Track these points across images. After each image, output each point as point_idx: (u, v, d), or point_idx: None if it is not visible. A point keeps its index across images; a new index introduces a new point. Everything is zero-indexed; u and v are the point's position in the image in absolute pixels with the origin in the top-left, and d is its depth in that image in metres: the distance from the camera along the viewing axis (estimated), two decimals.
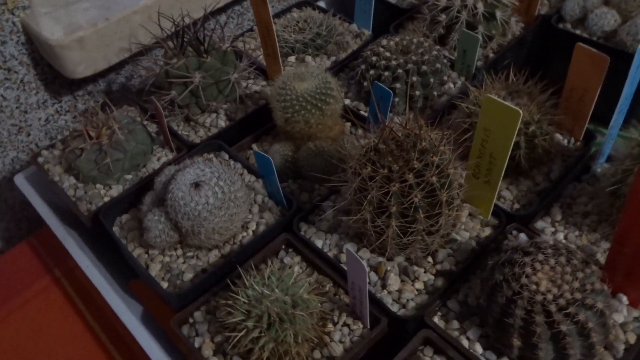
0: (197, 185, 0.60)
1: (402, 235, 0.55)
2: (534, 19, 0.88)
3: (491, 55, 0.85)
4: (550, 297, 0.48)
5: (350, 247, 0.51)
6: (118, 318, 0.66)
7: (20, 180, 0.83)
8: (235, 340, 0.51)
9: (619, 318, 0.53)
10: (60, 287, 0.81)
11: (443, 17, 0.83)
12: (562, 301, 0.48)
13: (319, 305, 0.54)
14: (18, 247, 0.89)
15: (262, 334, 0.51)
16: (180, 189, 0.60)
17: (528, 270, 0.50)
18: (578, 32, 0.85)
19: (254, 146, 0.77)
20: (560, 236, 0.61)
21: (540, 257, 0.50)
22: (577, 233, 0.61)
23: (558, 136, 0.71)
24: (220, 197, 0.60)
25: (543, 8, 0.92)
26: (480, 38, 0.83)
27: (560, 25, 0.86)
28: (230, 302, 0.53)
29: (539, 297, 0.48)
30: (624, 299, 0.54)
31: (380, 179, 0.53)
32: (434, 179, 0.53)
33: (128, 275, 0.73)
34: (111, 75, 1.02)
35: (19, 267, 0.85)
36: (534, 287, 0.49)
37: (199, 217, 0.59)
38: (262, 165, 0.64)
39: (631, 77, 0.57)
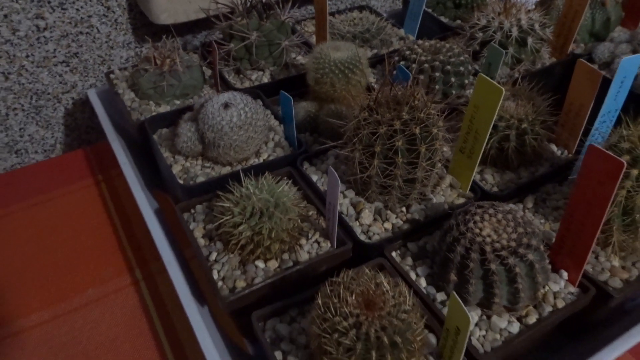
0: (226, 105, 0.71)
1: (382, 176, 0.64)
2: (566, 56, 0.96)
3: (516, 76, 0.93)
4: (488, 240, 0.55)
5: (334, 170, 0.60)
6: (137, 217, 0.77)
7: (92, 95, 0.98)
8: (220, 221, 0.61)
9: (555, 287, 0.58)
10: (98, 188, 0.95)
11: (480, 34, 0.93)
12: (497, 245, 0.54)
13: (297, 216, 0.63)
14: (74, 152, 1.04)
15: (243, 222, 0.60)
16: (212, 106, 0.71)
17: (477, 218, 0.57)
18: (603, 72, 0.91)
19: None
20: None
21: (491, 211, 0.57)
22: (542, 220, 0.67)
23: (553, 147, 0.78)
24: (242, 119, 0.71)
25: (578, 49, 0.99)
26: (510, 59, 0.92)
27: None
28: (226, 195, 0.63)
29: (479, 239, 0.55)
30: (565, 274, 0.59)
31: (373, 122, 0.63)
32: (417, 130, 0.61)
33: (155, 183, 0.85)
34: (188, 36, 1.18)
35: (69, 167, 1.00)
36: (477, 231, 0.56)
37: (221, 131, 0.71)
38: (284, 107, 0.75)
39: (612, 92, 0.64)
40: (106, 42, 1.09)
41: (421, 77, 0.85)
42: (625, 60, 0.61)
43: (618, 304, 0.59)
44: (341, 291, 0.49)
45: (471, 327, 0.55)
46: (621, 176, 0.50)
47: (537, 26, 0.92)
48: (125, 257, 0.82)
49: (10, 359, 0.69)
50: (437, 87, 0.85)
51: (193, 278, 0.69)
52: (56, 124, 1.13)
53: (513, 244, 0.54)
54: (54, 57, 1.05)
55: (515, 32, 0.91)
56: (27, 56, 1.03)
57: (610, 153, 0.50)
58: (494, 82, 0.60)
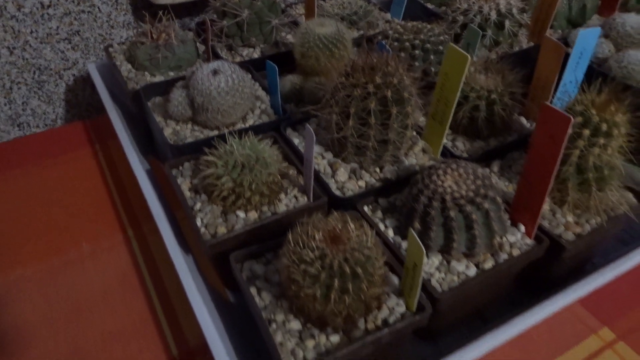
0: (215, 72, 0.76)
1: (356, 136, 0.68)
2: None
3: (494, 57, 0.97)
4: (449, 190, 0.60)
5: (310, 127, 0.65)
6: (131, 182, 0.82)
7: (92, 68, 1.04)
8: (205, 173, 0.66)
9: (512, 239, 0.63)
10: (95, 157, 1.00)
11: (461, 18, 0.98)
12: (456, 194, 0.59)
13: (276, 172, 0.68)
14: (74, 124, 1.09)
15: (225, 174, 0.65)
16: (202, 72, 0.76)
17: (440, 172, 0.61)
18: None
19: None
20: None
21: (454, 166, 0.62)
22: (507, 183, 0.72)
23: (523, 121, 0.83)
24: (229, 85, 0.76)
25: (555, 35, 1.04)
26: (488, 41, 0.97)
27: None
28: (211, 151, 0.68)
29: (440, 190, 0.60)
30: (522, 228, 0.64)
31: (348, 85, 0.68)
32: (389, 93, 0.66)
33: (149, 150, 0.90)
34: (186, 19, 1.24)
35: (68, 137, 1.05)
36: (439, 183, 0.60)
37: (210, 95, 0.76)
38: (270, 76, 0.80)
39: (571, 63, 0.69)
40: (107, 21, 1.14)
41: (402, 54, 0.90)
42: (582, 32, 0.66)
43: (571, 256, 0.63)
44: (310, 229, 0.54)
45: (431, 269, 0.60)
46: (569, 130, 0.55)
47: (514, 11, 0.97)
48: (119, 217, 0.87)
49: (8, 304, 0.74)
50: (416, 64, 0.90)
51: (181, 236, 0.74)
52: (57, 99, 1.19)
53: (471, 194, 0.59)
54: (57, 34, 1.11)
55: (493, 15, 0.96)
56: (31, 32, 1.08)
57: (558, 109, 0.55)
58: (460, 50, 0.65)
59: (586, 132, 0.62)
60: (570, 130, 0.56)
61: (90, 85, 1.20)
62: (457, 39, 1.00)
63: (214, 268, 0.69)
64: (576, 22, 1.05)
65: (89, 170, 0.96)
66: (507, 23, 0.96)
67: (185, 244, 0.72)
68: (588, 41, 0.67)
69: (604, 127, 0.61)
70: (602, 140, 0.61)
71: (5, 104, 1.13)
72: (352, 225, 0.54)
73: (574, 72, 0.70)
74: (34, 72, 1.13)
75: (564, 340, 0.69)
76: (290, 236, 0.54)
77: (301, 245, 0.53)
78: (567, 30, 1.05)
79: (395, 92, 0.67)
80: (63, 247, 0.82)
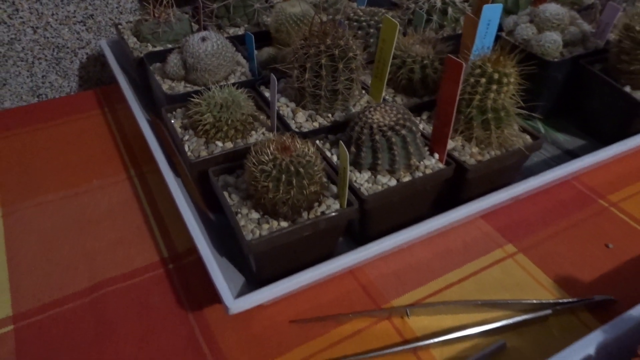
0: (203, 39, 0.96)
1: (312, 86, 0.87)
2: None
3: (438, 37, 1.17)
4: (376, 121, 0.78)
5: (273, 75, 0.83)
6: (134, 132, 1.01)
7: (104, 44, 1.23)
8: (191, 112, 0.85)
9: (428, 163, 0.81)
10: (104, 116, 1.19)
11: (412, 6, 1.17)
12: (381, 124, 0.78)
13: (249, 112, 0.87)
14: (86, 92, 1.29)
15: (207, 112, 0.84)
16: (193, 39, 0.96)
17: (371, 109, 0.80)
18: (508, 38, 1.15)
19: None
20: (421, 126, 0.90)
21: (383, 105, 0.81)
22: (430, 126, 0.90)
23: None
24: (215, 48, 0.95)
25: None
26: (435, 25, 1.16)
27: (498, 33, 1.17)
28: (197, 96, 0.87)
29: (370, 121, 0.78)
30: (436, 156, 0.83)
31: (306, 46, 0.87)
32: (336, 51, 0.85)
33: (150, 108, 1.09)
34: (186, 8, 1.43)
35: (81, 102, 1.24)
36: (370, 117, 0.79)
37: (199, 57, 0.95)
38: (248, 44, 0.99)
39: (480, 32, 0.88)
40: (117, 7, 1.34)
41: (359, 32, 1.09)
42: (486, 7, 0.85)
43: (473, 178, 0.82)
44: (267, 142, 0.72)
45: (362, 181, 0.78)
46: (462, 74, 0.74)
47: (457, 0, 1.16)
48: (123, 161, 1.06)
49: (33, 221, 0.92)
50: (371, 40, 1.09)
51: (174, 168, 0.92)
52: (72, 75, 1.38)
53: (392, 123, 0.78)
54: (74, 17, 1.30)
55: (438, 3, 1.15)
56: (52, 14, 1.28)
57: (455, 58, 0.74)
58: (392, 19, 0.84)
59: (483, 80, 0.80)
60: (463, 75, 0.74)
61: (100, 62, 1.40)
62: (409, 23, 1.19)
63: (197, 185, 0.87)
64: (512, 11, 1.24)
65: (99, 125, 1.15)
66: (450, 10, 1.15)
67: (176, 172, 0.90)
68: (493, 14, 0.86)
69: (496, 76, 0.80)
70: (495, 86, 0.80)
71: (27, 77, 1.32)
72: (298, 141, 0.73)
73: (483, 40, 0.89)
74: (53, 50, 1.32)
75: (476, 252, 0.87)
76: (252, 148, 0.73)
77: (260, 152, 0.71)
78: (502, 17, 1.24)
79: (342, 51, 0.86)
80: (77, 182, 1.00)
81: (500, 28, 1.17)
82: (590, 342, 0.64)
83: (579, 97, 1.10)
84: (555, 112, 1.14)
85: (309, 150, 0.72)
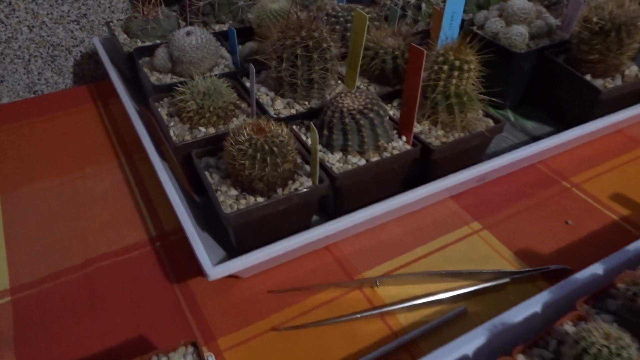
0: (188, 33, 1.02)
1: (288, 75, 0.94)
2: None
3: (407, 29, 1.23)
4: (346, 105, 0.85)
5: (252, 65, 0.90)
6: (125, 123, 1.08)
7: (96, 41, 1.30)
8: (176, 99, 0.91)
9: (395, 144, 0.88)
10: (97, 109, 1.25)
11: (388, 2, 1.24)
12: (351, 107, 0.84)
13: (229, 100, 0.93)
14: (79, 87, 1.35)
15: (191, 99, 0.90)
16: (179, 33, 1.02)
17: (343, 95, 0.87)
18: (479, 32, 1.22)
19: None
20: (391, 112, 0.97)
21: (353, 91, 0.87)
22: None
23: None
24: (199, 42, 1.02)
25: (466, 17, 1.30)
26: (410, 19, 1.23)
27: (470, 27, 1.24)
28: (182, 85, 0.93)
29: (340, 105, 0.85)
30: (404, 138, 0.89)
31: (283, 38, 0.93)
32: (311, 43, 0.92)
33: (139, 101, 1.16)
34: (173, 7, 1.50)
35: (75, 96, 1.30)
36: (341, 102, 0.85)
37: (184, 50, 1.01)
38: (231, 39, 1.06)
39: (445, 23, 0.94)
40: (109, 7, 1.40)
41: (337, 27, 1.15)
42: (450, 0, 0.92)
43: (438, 158, 0.88)
44: (244, 125, 0.79)
45: (334, 161, 0.84)
46: (424, 61, 0.80)
47: None
48: (115, 150, 1.12)
49: (30, 206, 0.98)
50: (348, 34, 1.15)
51: (161, 155, 0.98)
52: (67, 72, 1.44)
53: (361, 107, 0.84)
54: (68, 16, 1.37)
55: (413, 0, 1.22)
56: (48, 14, 1.34)
57: (417, 46, 0.80)
58: (362, 12, 0.91)
59: (445, 67, 0.87)
60: (428, 62, 0.81)
61: (94, 60, 1.46)
62: (386, 19, 1.26)
63: (182, 169, 0.93)
64: (483, 7, 1.30)
65: (92, 118, 1.21)
66: (423, 6, 1.22)
67: (164, 158, 0.97)
68: (457, 7, 0.93)
69: (457, 63, 0.86)
70: (456, 72, 0.86)
71: (24, 74, 1.39)
72: (273, 124, 0.79)
73: (448, 30, 0.95)
74: (49, 48, 1.38)
75: (444, 228, 0.93)
76: (231, 130, 0.79)
77: (237, 133, 0.78)
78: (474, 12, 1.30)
79: (316, 42, 0.92)
80: (71, 169, 1.07)
81: (472, 23, 1.24)
82: (538, 301, 0.70)
83: (546, 86, 1.17)
84: (524, 101, 1.21)
85: (282, 131, 0.79)
